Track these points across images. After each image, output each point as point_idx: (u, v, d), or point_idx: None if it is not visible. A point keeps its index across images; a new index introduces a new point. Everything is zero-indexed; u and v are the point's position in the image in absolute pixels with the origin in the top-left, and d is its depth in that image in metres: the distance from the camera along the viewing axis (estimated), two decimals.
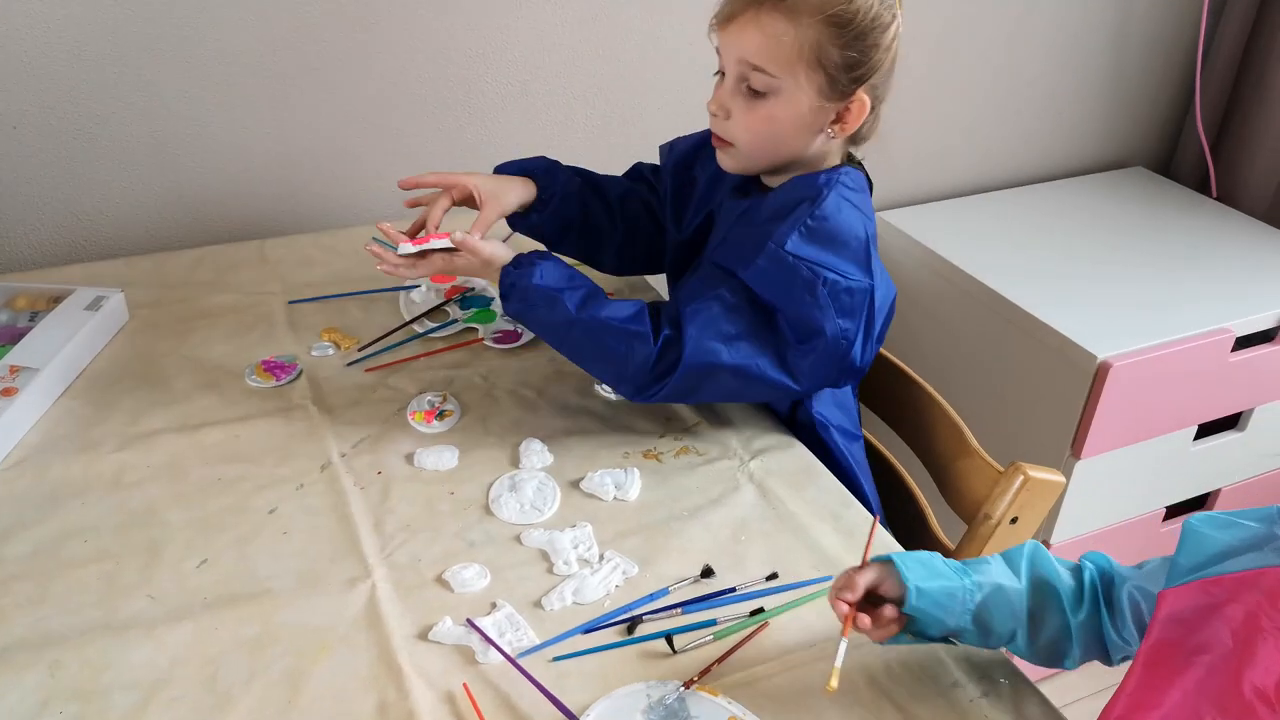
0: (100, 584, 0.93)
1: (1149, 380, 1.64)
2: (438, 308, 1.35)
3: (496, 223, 1.19)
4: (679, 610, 0.93)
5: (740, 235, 1.09)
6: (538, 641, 0.89)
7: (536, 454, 1.11)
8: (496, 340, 1.30)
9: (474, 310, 1.35)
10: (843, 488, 1.10)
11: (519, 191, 1.22)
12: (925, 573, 0.83)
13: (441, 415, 1.16)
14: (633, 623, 0.91)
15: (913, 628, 0.84)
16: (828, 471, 1.12)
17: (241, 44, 1.47)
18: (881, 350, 1.23)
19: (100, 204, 1.49)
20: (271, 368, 1.22)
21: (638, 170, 1.35)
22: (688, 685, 0.85)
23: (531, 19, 1.62)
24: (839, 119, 1.06)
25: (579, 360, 1.12)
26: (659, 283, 1.39)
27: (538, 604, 0.93)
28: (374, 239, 1.50)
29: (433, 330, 1.31)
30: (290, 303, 1.35)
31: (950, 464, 1.19)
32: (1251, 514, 0.72)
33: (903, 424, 1.28)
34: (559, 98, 1.70)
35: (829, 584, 0.96)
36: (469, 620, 0.90)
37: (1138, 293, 1.77)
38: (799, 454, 1.14)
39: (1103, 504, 1.78)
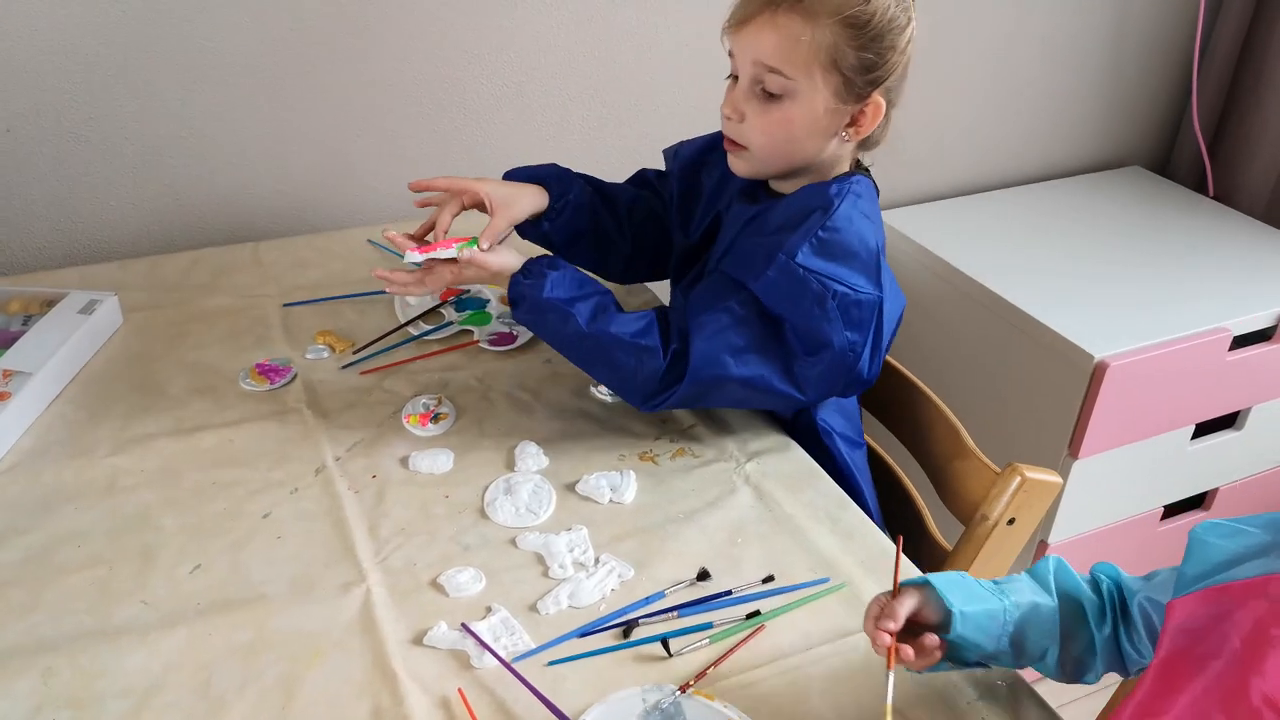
0: (93, 590, 0.93)
1: (1146, 380, 1.63)
2: (433, 310, 1.35)
3: (507, 232, 1.17)
4: (675, 613, 0.93)
5: (750, 244, 1.09)
6: (533, 646, 0.89)
7: (532, 457, 1.10)
8: (492, 342, 1.29)
9: (469, 313, 1.35)
10: (840, 490, 1.09)
11: (530, 200, 1.20)
12: (965, 596, 0.80)
13: (437, 418, 1.15)
14: (628, 626, 0.91)
15: (952, 654, 0.81)
16: (825, 474, 1.11)
17: (236, 46, 1.46)
18: None
19: (94, 207, 1.49)
20: (266, 371, 1.21)
21: (642, 177, 1.33)
22: (683, 689, 0.85)
23: (527, 20, 1.62)
24: (853, 122, 1.05)
25: (586, 369, 1.12)
26: (660, 288, 1.38)
27: (533, 608, 0.93)
28: (381, 253, 1.51)
29: (428, 333, 1.30)
30: (285, 305, 1.35)
31: (947, 465, 1.19)
32: (1257, 520, 0.72)
33: (899, 425, 1.28)
34: (554, 99, 1.70)
35: (825, 586, 0.96)
36: (464, 625, 0.90)
37: (1135, 292, 1.77)
38: (796, 456, 1.14)
39: (1100, 504, 1.77)
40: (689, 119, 1.79)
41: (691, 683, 0.85)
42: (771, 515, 1.05)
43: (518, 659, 0.87)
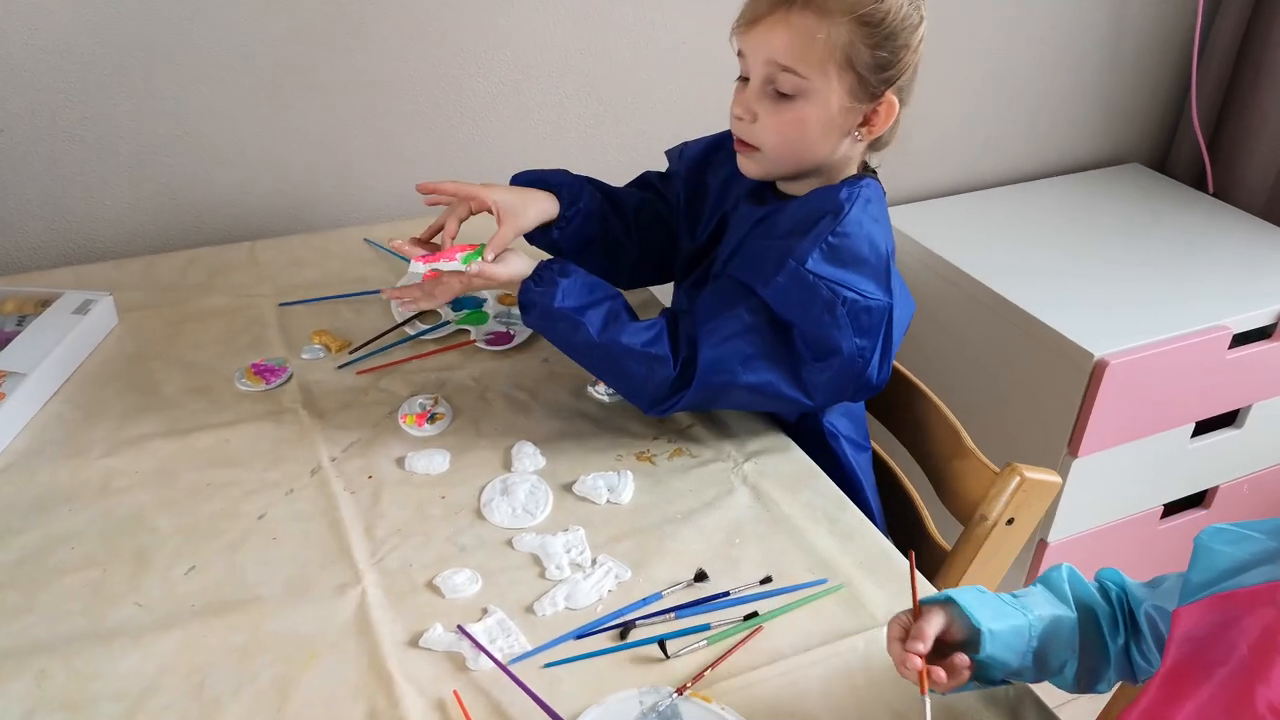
0: (87, 592, 0.92)
1: (1146, 378, 1.63)
2: (430, 309, 1.34)
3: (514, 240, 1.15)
4: (672, 615, 0.92)
5: (758, 248, 1.08)
6: (529, 647, 0.88)
7: (529, 457, 1.10)
8: (489, 342, 1.29)
9: (466, 312, 1.34)
10: (838, 491, 1.09)
11: (540, 208, 1.17)
12: (992, 613, 0.78)
13: (433, 418, 1.15)
14: (625, 628, 0.91)
15: (978, 674, 0.79)
16: (823, 474, 1.11)
17: (233, 45, 1.46)
18: None
19: (90, 206, 1.48)
20: (261, 371, 1.21)
21: (647, 179, 1.31)
22: (680, 691, 0.84)
23: (524, 18, 1.61)
24: (866, 121, 1.05)
25: (595, 374, 1.11)
26: (662, 290, 1.37)
27: (529, 609, 0.92)
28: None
29: (424, 332, 1.30)
30: (281, 305, 1.34)
31: (946, 465, 1.18)
32: (1262, 526, 0.71)
33: (898, 425, 1.27)
34: (551, 97, 1.69)
35: (823, 587, 0.96)
36: (460, 627, 0.89)
37: (1134, 290, 1.76)
38: (794, 456, 1.13)
39: (1100, 502, 1.77)
40: (687, 117, 1.78)
41: (689, 684, 0.85)
42: (770, 516, 1.05)
43: (514, 661, 0.87)
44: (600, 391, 1.21)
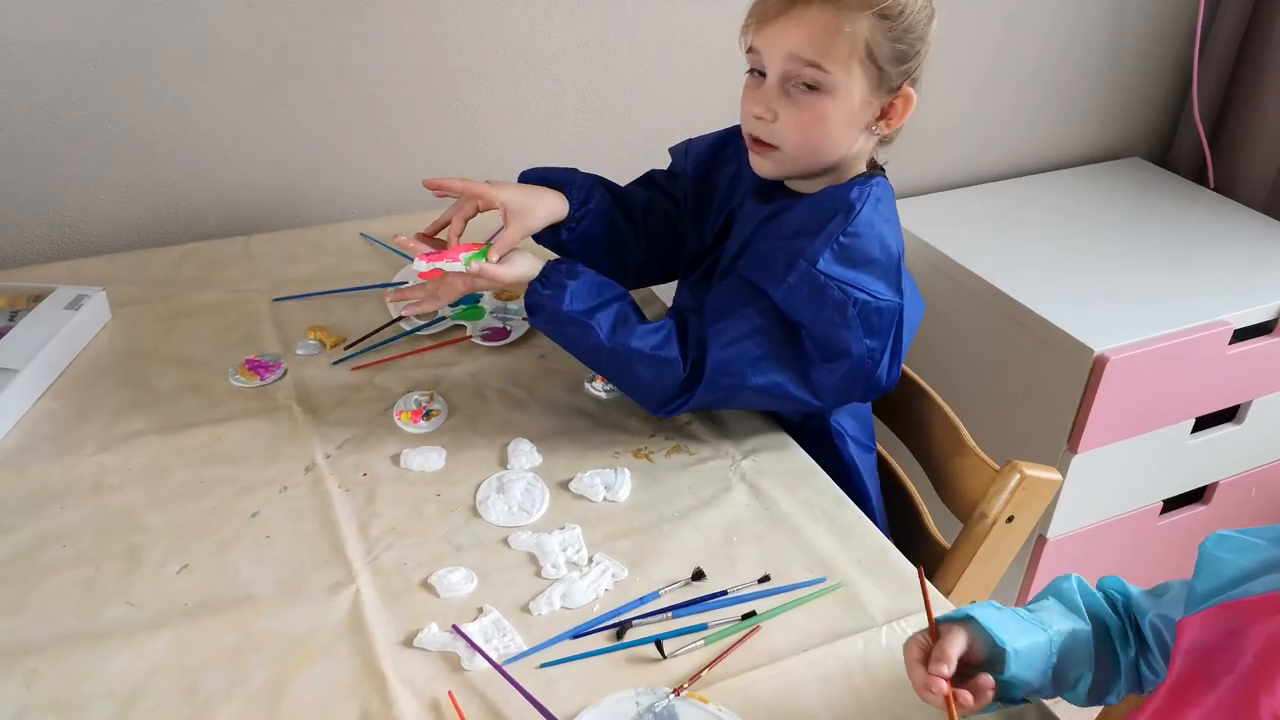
0: (79, 591, 0.91)
1: (1147, 374, 1.62)
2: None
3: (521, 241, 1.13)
4: (669, 614, 0.91)
5: (767, 247, 1.06)
6: (525, 647, 0.88)
7: (525, 454, 1.09)
8: (485, 338, 1.28)
9: (462, 307, 1.33)
10: (837, 488, 1.08)
11: (548, 208, 1.14)
12: (1014, 631, 0.76)
13: (428, 415, 1.14)
14: (622, 627, 0.90)
15: (1000, 693, 0.76)
16: (822, 471, 1.10)
17: (229, 39, 1.44)
18: None
19: (84, 201, 1.47)
20: (255, 367, 1.20)
21: (652, 178, 1.29)
22: (677, 692, 0.83)
23: (522, 11, 1.60)
24: (884, 115, 1.04)
25: (603, 375, 1.10)
26: (663, 290, 1.36)
27: (525, 608, 0.92)
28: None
29: (420, 328, 1.28)
30: (275, 300, 1.33)
31: (946, 462, 1.17)
32: (1267, 533, 0.70)
33: (898, 422, 1.26)
34: (549, 90, 1.68)
35: (821, 586, 0.95)
36: (455, 626, 0.88)
37: (1135, 285, 1.75)
38: (792, 454, 1.12)
39: (1099, 498, 1.76)
40: (685, 111, 1.77)
41: (686, 685, 0.84)
42: (768, 514, 1.04)
43: (509, 661, 0.86)
44: (597, 388, 1.20)
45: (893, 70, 1.00)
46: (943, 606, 0.93)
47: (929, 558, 1.16)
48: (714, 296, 1.08)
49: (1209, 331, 1.65)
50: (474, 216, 1.14)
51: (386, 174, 1.63)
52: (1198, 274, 1.80)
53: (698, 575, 0.96)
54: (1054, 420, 1.66)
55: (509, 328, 1.29)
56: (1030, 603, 0.84)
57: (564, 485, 1.06)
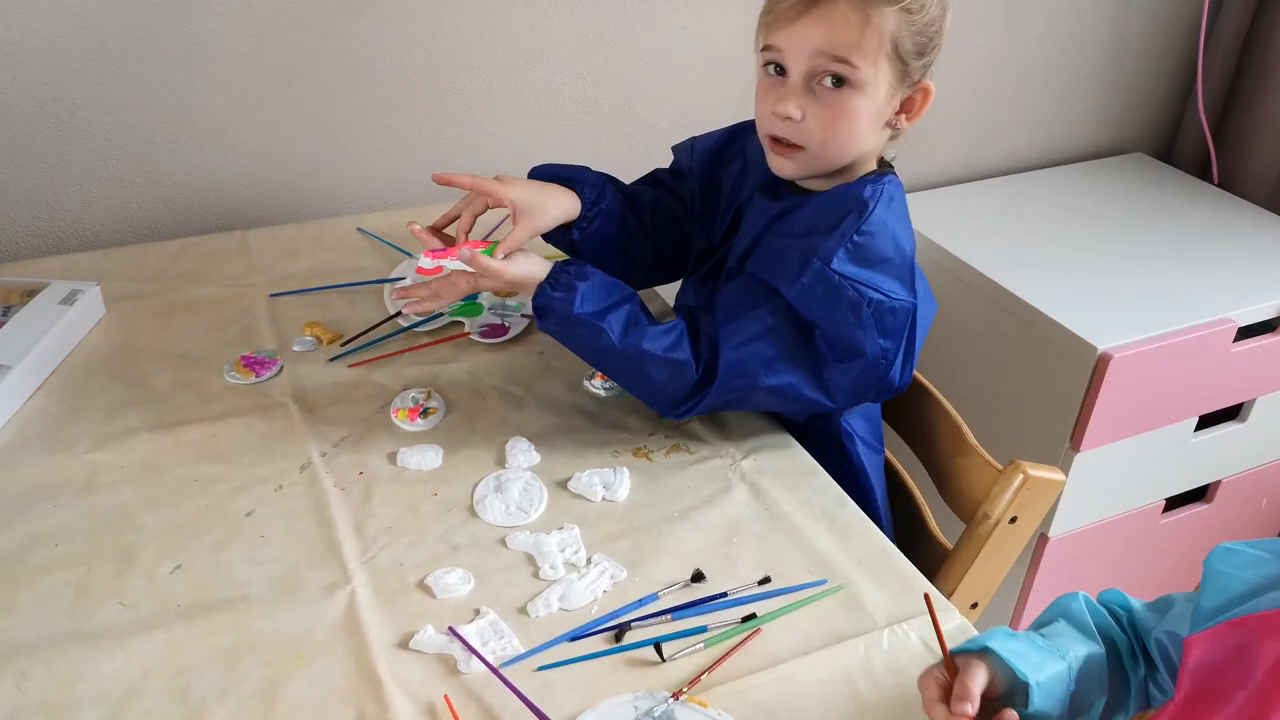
0: (70, 591, 0.90)
1: (1150, 372, 1.61)
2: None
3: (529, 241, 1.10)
4: (668, 616, 0.90)
5: (778, 245, 1.04)
6: (522, 650, 0.86)
7: (523, 453, 1.08)
8: (483, 334, 1.26)
9: (460, 303, 1.32)
10: (838, 487, 1.07)
11: (559, 207, 1.12)
12: (1034, 662, 0.73)
13: (425, 413, 1.13)
14: (620, 630, 0.89)
15: None
16: (822, 471, 1.09)
17: (225, 30, 1.43)
18: None
19: (77, 194, 1.46)
20: (251, 364, 1.19)
21: (658, 177, 1.26)
22: (676, 696, 0.82)
23: (522, 6, 1.58)
24: (904, 109, 1.03)
25: (613, 378, 1.09)
26: (665, 288, 1.34)
27: (522, 610, 0.90)
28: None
29: (418, 324, 1.27)
30: (272, 296, 1.32)
31: (949, 462, 1.16)
32: (1273, 545, 0.69)
33: (899, 420, 1.25)
34: (549, 85, 1.67)
35: (823, 588, 0.94)
36: (451, 628, 0.87)
37: (1138, 282, 1.74)
38: (793, 453, 1.11)
39: (1102, 497, 1.75)
40: (685, 104, 1.76)
41: (685, 689, 0.83)
42: (768, 514, 1.03)
43: (506, 664, 0.85)
44: (596, 385, 1.19)
45: (914, 64, 0.99)
46: (945, 609, 0.92)
47: (931, 558, 1.15)
48: (725, 296, 1.06)
49: (1213, 329, 1.64)
50: (483, 213, 1.11)
51: (385, 168, 1.62)
52: (1202, 271, 1.78)
53: (697, 577, 0.95)
54: (1056, 418, 1.65)
55: (507, 324, 1.28)
56: (1037, 622, 0.82)
57: (562, 484, 1.05)
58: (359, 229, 1.48)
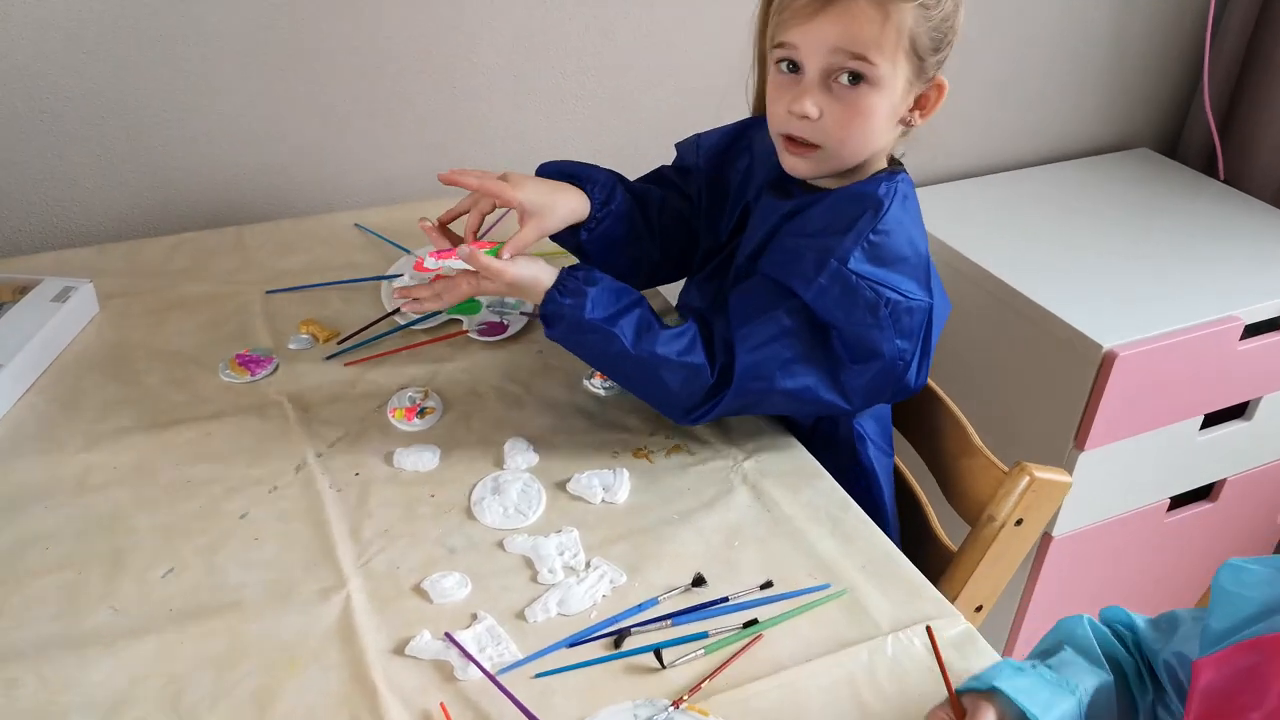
0: (60, 595, 0.88)
1: (1156, 370, 1.59)
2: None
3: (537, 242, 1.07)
4: (669, 622, 0.89)
5: (793, 245, 1.02)
6: (520, 656, 0.85)
7: (521, 454, 1.06)
8: (481, 332, 1.25)
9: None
10: (841, 490, 1.05)
11: (568, 207, 1.09)
12: (1043, 699, 0.71)
13: (423, 413, 1.11)
14: (620, 636, 0.87)
15: None
16: (825, 472, 1.07)
17: (221, 22, 1.41)
18: None
19: (70, 189, 1.44)
20: (246, 362, 1.17)
21: (663, 175, 1.24)
22: (677, 704, 0.81)
23: None
24: (918, 105, 1.01)
25: (624, 384, 1.06)
26: (667, 287, 1.32)
27: (520, 615, 0.89)
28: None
29: (415, 322, 1.25)
30: (268, 292, 1.30)
31: (953, 463, 1.15)
32: None
33: (903, 420, 1.24)
34: (549, 78, 1.65)
35: (826, 593, 0.92)
36: (447, 634, 0.86)
37: (1144, 280, 1.72)
38: (795, 454, 1.09)
39: (1106, 496, 1.73)
40: (686, 97, 1.74)
41: (686, 697, 0.81)
42: (770, 516, 1.01)
43: (503, 671, 0.84)
44: (596, 385, 1.17)
45: (930, 59, 0.98)
46: (949, 614, 0.91)
47: (935, 561, 1.13)
48: (738, 298, 1.04)
49: (1220, 327, 1.62)
50: (491, 212, 1.09)
51: (383, 163, 1.60)
52: (1207, 268, 1.77)
53: (698, 581, 0.93)
54: (1061, 417, 1.63)
55: (506, 322, 1.26)
56: (1041, 648, 0.79)
57: (561, 486, 1.03)
58: (356, 224, 1.47)
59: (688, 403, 1.02)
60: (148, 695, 0.80)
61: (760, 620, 0.89)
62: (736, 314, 1.02)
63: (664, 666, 0.85)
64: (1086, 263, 1.77)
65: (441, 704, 0.80)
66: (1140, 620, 0.79)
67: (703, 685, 0.83)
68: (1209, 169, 2.14)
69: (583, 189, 1.11)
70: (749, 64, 1.12)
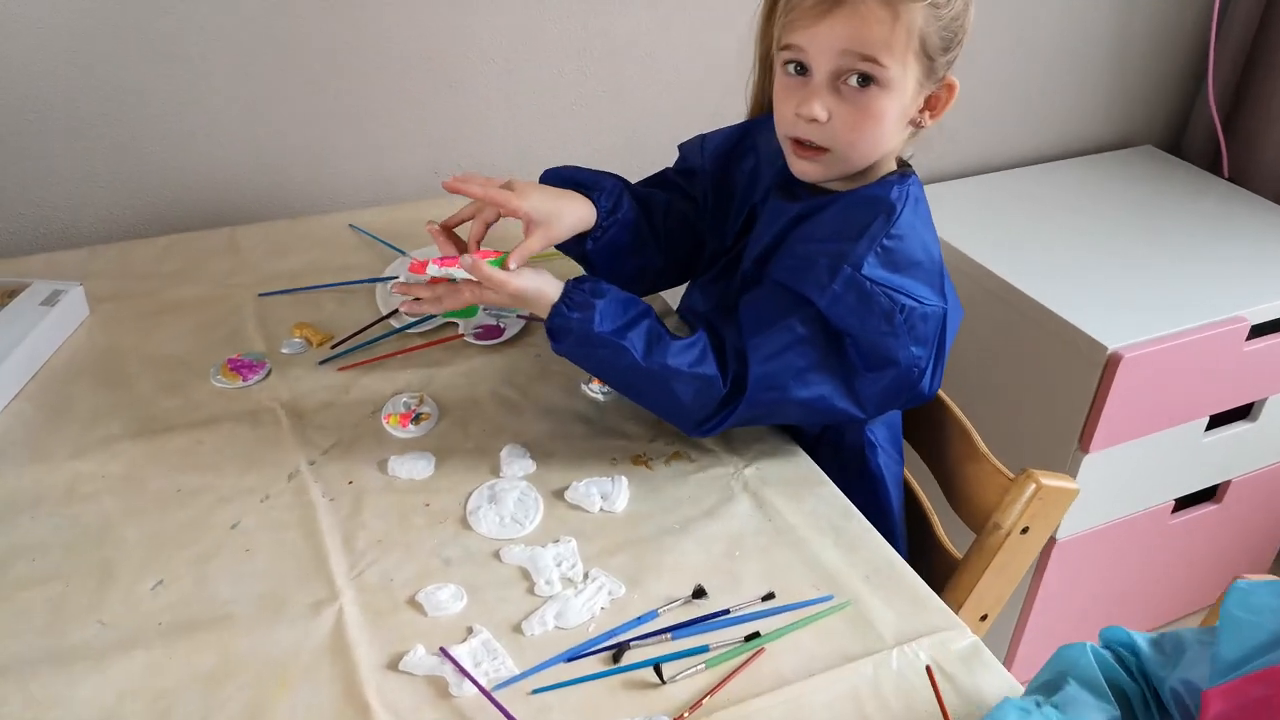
0: (47, 609, 0.86)
1: (1161, 372, 1.57)
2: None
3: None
4: (668, 636, 0.87)
5: (805, 251, 1.00)
6: (516, 671, 0.83)
7: (518, 461, 1.04)
8: (478, 336, 1.23)
9: None
10: (844, 498, 1.03)
11: (575, 216, 1.06)
12: None
13: (418, 419, 1.09)
14: (619, 650, 0.85)
15: None
16: (828, 480, 1.05)
17: (211, 22, 1.39)
18: None
19: (60, 191, 1.42)
20: (238, 367, 1.15)
21: (667, 178, 1.21)
22: None
23: None
24: (928, 106, 0.99)
25: (634, 397, 1.04)
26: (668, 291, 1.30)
27: (517, 628, 0.87)
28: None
29: (410, 325, 1.23)
30: (261, 295, 1.28)
31: (958, 469, 1.13)
32: None
33: (907, 425, 1.21)
34: (547, 78, 1.63)
35: (829, 604, 0.91)
36: (442, 649, 0.84)
37: (1148, 280, 1.70)
38: (797, 461, 1.07)
39: (1111, 498, 1.72)
40: (685, 98, 1.72)
41: (686, 714, 0.80)
42: (772, 525, 0.99)
43: (499, 687, 0.82)
44: (595, 389, 1.15)
45: (940, 60, 0.95)
46: (954, 626, 0.89)
47: (940, 569, 1.12)
48: (750, 306, 1.01)
49: (1225, 328, 1.60)
50: (496, 221, 1.06)
51: (378, 163, 1.58)
52: (1213, 268, 1.75)
53: (698, 593, 0.91)
54: (1065, 418, 1.61)
55: (503, 325, 1.24)
56: (1043, 680, 0.77)
57: (559, 494, 1.01)
58: (351, 225, 1.45)
59: (700, 414, 1.00)
60: (136, 712, 0.78)
61: (762, 633, 0.88)
62: (748, 323, 1.00)
63: (664, 682, 0.83)
64: (1090, 262, 1.75)
65: None
66: (1142, 640, 0.76)
67: (704, 701, 0.81)
68: (1214, 167, 2.12)
69: (589, 197, 1.09)
70: (749, 64, 1.10)
